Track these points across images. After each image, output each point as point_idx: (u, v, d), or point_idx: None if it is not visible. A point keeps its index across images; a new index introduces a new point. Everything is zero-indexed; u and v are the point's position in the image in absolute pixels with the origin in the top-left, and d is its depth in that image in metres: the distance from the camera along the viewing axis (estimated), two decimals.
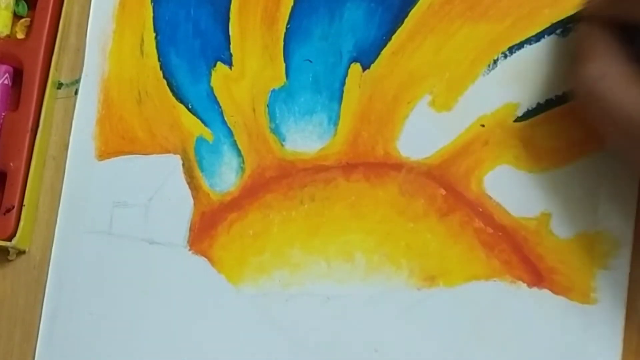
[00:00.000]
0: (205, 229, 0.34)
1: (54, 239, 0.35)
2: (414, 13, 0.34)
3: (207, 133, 0.35)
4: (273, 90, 0.35)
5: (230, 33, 0.35)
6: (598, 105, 0.28)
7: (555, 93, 0.32)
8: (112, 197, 0.35)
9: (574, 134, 0.31)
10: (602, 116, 0.28)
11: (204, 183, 0.34)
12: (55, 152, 0.36)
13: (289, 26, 0.35)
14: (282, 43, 0.35)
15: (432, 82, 0.34)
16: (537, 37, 0.33)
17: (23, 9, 0.37)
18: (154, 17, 0.36)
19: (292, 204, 0.33)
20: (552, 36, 0.33)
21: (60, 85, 0.36)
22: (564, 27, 0.33)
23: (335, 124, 0.34)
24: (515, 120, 0.32)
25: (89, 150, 0.35)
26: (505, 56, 0.33)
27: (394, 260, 0.32)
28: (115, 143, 0.35)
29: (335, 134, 0.34)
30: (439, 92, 0.34)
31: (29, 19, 0.37)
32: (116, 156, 0.35)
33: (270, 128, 0.34)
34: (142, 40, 0.36)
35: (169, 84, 0.35)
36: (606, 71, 0.28)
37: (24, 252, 0.35)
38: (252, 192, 0.34)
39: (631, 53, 0.29)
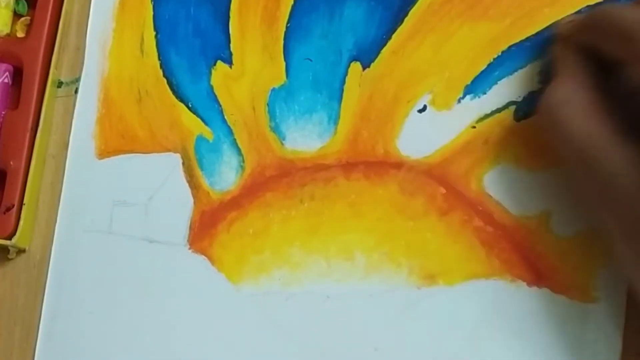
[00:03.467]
0: (205, 228, 0.34)
1: (54, 238, 0.35)
2: (414, 12, 0.34)
3: (207, 132, 0.35)
4: (273, 89, 0.35)
5: (230, 32, 0.35)
6: (557, 129, 0.29)
7: None
8: (112, 196, 0.35)
9: None
10: (559, 140, 0.29)
11: (204, 182, 0.34)
12: (55, 150, 0.36)
13: (289, 25, 0.35)
14: (282, 42, 0.35)
15: (432, 81, 0.34)
16: (537, 37, 0.33)
17: (23, 7, 0.37)
18: (154, 16, 0.36)
19: (292, 203, 0.33)
20: (552, 36, 0.33)
21: (60, 84, 0.36)
22: None
23: (335, 122, 0.34)
24: (516, 119, 0.32)
25: (89, 149, 0.35)
26: (505, 55, 0.33)
27: (394, 259, 0.32)
28: (115, 142, 0.35)
29: (335, 133, 0.34)
30: (439, 91, 0.34)
31: (29, 18, 0.37)
32: (116, 155, 0.35)
33: (270, 127, 0.34)
34: (142, 39, 0.36)
35: (169, 83, 0.35)
36: (570, 97, 0.29)
37: (24, 251, 0.35)
38: (252, 191, 0.34)
39: (602, 81, 0.29)
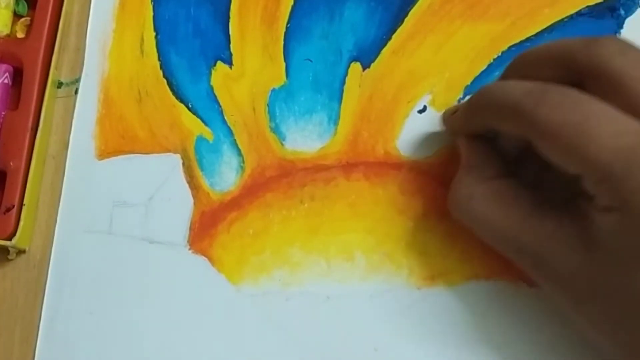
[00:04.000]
0: (205, 228, 0.34)
1: (54, 238, 0.35)
2: (414, 12, 0.34)
3: (207, 132, 0.35)
4: (273, 90, 0.35)
5: (230, 32, 0.35)
6: (472, 223, 0.29)
7: None
8: (112, 197, 0.35)
9: None
10: (479, 232, 0.29)
11: (204, 182, 0.34)
12: (55, 151, 0.36)
13: (289, 25, 0.35)
14: (282, 42, 0.35)
15: (432, 81, 0.34)
16: (537, 37, 0.33)
17: (23, 8, 0.37)
18: (154, 17, 0.36)
19: (292, 203, 0.33)
20: (552, 35, 0.33)
21: (60, 85, 0.36)
22: (564, 27, 0.33)
23: (335, 123, 0.34)
24: None
25: (88, 150, 0.35)
26: (505, 55, 0.33)
27: (394, 259, 0.32)
28: (115, 142, 0.35)
29: (335, 133, 0.34)
30: (439, 91, 0.34)
31: (29, 18, 0.37)
32: (116, 155, 0.35)
33: (270, 127, 0.34)
34: (142, 40, 0.36)
35: (169, 83, 0.35)
36: (472, 191, 0.29)
37: (24, 251, 0.35)
38: (252, 192, 0.34)
39: (503, 157, 0.30)
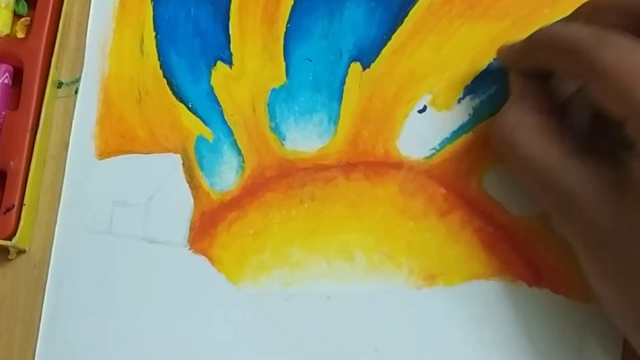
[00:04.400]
0: (205, 228, 0.34)
1: (54, 239, 0.35)
2: (414, 12, 0.34)
3: (207, 132, 0.35)
4: (273, 90, 0.35)
5: (230, 32, 0.35)
6: (511, 153, 0.29)
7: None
8: (112, 197, 0.35)
9: None
10: (514, 163, 0.29)
11: (204, 182, 0.34)
12: (55, 151, 0.36)
13: (289, 25, 0.35)
14: (282, 42, 0.35)
15: (432, 81, 0.34)
16: None
17: (23, 8, 0.37)
18: (154, 16, 0.36)
19: (292, 203, 0.33)
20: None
21: (60, 85, 0.36)
22: None
23: (335, 123, 0.34)
24: None
25: (89, 150, 0.35)
26: None
27: (394, 259, 0.32)
28: (115, 142, 0.35)
29: (335, 133, 0.34)
30: (439, 91, 0.34)
31: (29, 18, 0.37)
32: (116, 155, 0.35)
33: (270, 127, 0.34)
34: (142, 40, 0.36)
35: (169, 83, 0.35)
36: (519, 121, 0.29)
37: (24, 251, 0.35)
38: (252, 191, 0.34)
39: (556, 102, 0.30)
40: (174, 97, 0.35)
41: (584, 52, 0.26)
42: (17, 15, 0.37)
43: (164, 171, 0.35)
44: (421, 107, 0.34)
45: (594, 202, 0.26)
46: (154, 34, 0.36)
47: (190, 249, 0.34)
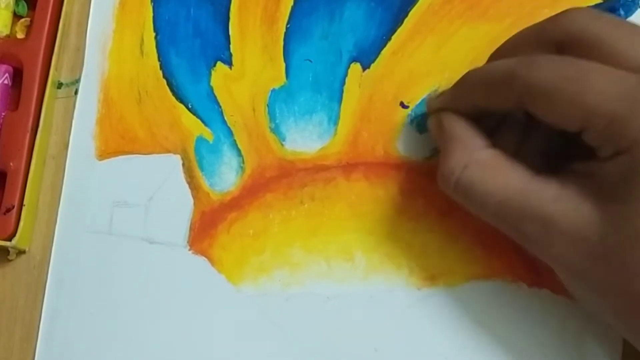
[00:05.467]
0: (205, 229, 0.34)
1: (54, 239, 0.35)
2: (414, 13, 0.34)
3: (207, 133, 0.35)
4: (273, 90, 0.35)
5: (230, 33, 0.35)
6: (468, 195, 0.28)
7: None
8: (112, 197, 0.35)
9: None
10: (474, 205, 0.28)
11: (204, 183, 0.34)
12: (55, 151, 0.36)
13: (289, 26, 0.35)
14: (282, 42, 0.35)
15: (432, 81, 0.34)
16: None
17: (23, 8, 0.37)
18: (153, 17, 0.36)
19: (292, 204, 0.33)
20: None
21: (60, 85, 0.36)
22: None
23: (335, 123, 0.34)
24: None
25: (89, 150, 0.35)
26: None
27: (394, 259, 0.32)
28: (115, 143, 0.35)
29: (335, 134, 0.34)
30: (439, 91, 0.34)
31: (28, 19, 0.37)
32: (116, 156, 0.35)
33: (270, 128, 0.34)
34: (142, 40, 0.36)
35: (169, 84, 0.35)
36: (468, 160, 0.28)
37: (24, 252, 0.35)
38: (252, 192, 0.34)
39: (490, 135, 0.29)
40: (173, 98, 0.35)
41: (518, 78, 0.26)
42: (17, 16, 0.37)
43: (164, 171, 0.35)
44: (421, 107, 0.34)
45: (570, 218, 0.26)
46: (154, 34, 0.36)
47: (190, 250, 0.34)
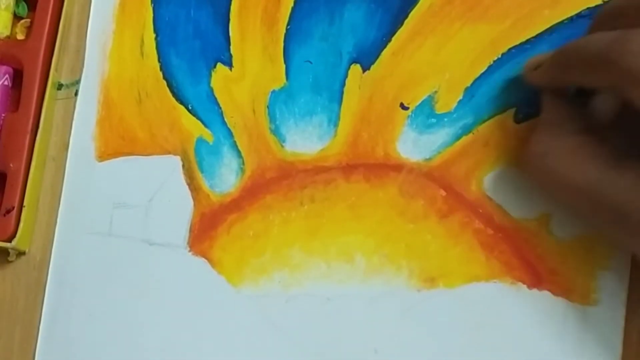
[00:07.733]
0: (205, 230, 0.34)
1: (54, 240, 0.35)
2: (414, 14, 0.34)
3: (207, 134, 0.35)
4: (273, 91, 0.35)
5: (230, 34, 0.35)
6: (547, 180, 0.29)
7: None
8: (112, 198, 0.35)
9: None
10: (554, 189, 0.29)
11: (204, 184, 0.34)
12: (55, 152, 0.36)
13: (289, 27, 0.35)
14: (282, 44, 0.35)
15: (432, 83, 0.34)
16: (537, 38, 0.33)
17: (23, 9, 0.37)
18: (154, 18, 0.36)
19: (292, 205, 0.33)
20: (552, 37, 0.33)
21: (60, 86, 0.36)
22: (564, 29, 0.33)
23: (335, 125, 0.34)
24: (516, 121, 0.33)
25: (89, 151, 0.35)
26: (505, 56, 0.33)
27: (394, 261, 0.32)
28: (115, 144, 0.35)
29: (335, 135, 0.34)
30: (440, 93, 0.34)
31: (29, 20, 0.37)
32: (116, 157, 0.35)
33: (270, 129, 0.34)
34: (142, 41, 0.36)
35: (169, 85, 0.35)
36: (548, 147, 0.29)
37: (24, 253, 0.35)
38: (252, 193, 0.34)
39: (585, 114, 0.29)
40: (174, 99, 0.35)
41: (612, 62, 0.25)
42: (17, 17, 0.37)
43: (164, 173, 0.35)
44: (421, 109, 0.34)
45: None
46: (154, 35, 0.36)
47: (190, 251, 0.34)
